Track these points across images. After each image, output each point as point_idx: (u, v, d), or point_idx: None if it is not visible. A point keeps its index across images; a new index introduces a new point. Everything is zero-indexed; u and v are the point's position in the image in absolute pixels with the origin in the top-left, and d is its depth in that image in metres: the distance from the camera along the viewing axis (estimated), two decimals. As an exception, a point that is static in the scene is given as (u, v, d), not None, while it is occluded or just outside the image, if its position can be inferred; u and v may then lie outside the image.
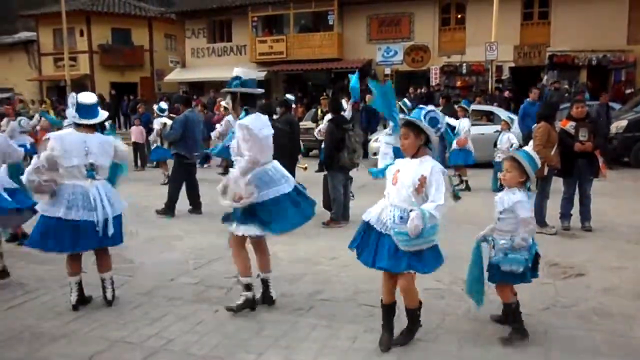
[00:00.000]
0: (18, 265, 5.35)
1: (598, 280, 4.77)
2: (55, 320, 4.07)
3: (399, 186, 3.32)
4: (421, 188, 3.23)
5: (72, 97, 4.25)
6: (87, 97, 4.24)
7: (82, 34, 29.22)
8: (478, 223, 6.85)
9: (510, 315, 3.61)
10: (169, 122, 9.90)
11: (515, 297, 3.61)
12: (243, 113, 4.08)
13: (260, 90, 4.26)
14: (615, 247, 5.84)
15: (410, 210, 3.19)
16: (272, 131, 4.21)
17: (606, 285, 4.66)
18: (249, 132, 3.91)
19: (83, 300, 4.33)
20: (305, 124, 14.15)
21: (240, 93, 4.12)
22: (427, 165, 3.28)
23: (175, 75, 27.12)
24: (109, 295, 4.34)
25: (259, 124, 4.04)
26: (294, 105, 12.26)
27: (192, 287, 4.79)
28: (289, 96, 10.98)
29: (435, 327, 3.81)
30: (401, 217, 3.26)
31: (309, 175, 8.21)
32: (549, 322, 3.78)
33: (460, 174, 9.80)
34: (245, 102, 4.13)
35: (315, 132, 10.69)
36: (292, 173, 7.98)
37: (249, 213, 3.97)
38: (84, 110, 4.17)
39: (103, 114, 4.29)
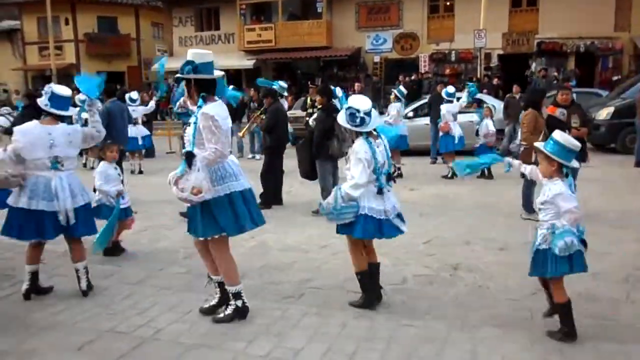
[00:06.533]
0: (5, 257, 5.32)
1: (585, 265, 4.82)
2: (43, 312, 4.05)
3: None
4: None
5: (47, 87, 4.29)
6: (62, 89, 4.32)
7: (67, 23, 28.77)
8: (463, 209, 6.93)
9: (562, 317, 3.49)
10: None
11: (568, 297, 3.47)
12: (200, 101, 3.62)
13: (219, 74, 3.81)
14: (602, 233, 5.89)
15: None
16: (231, 123, 3.89)
17: (593, 270, 4.67)
18: (215, 124, 3.51)
19: (37, 290, 4.35)
20: (295, 112, 14.11)
21: (195, 79, 3.67)
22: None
23: (163, 64, 26.79)
24: (83, 285, 4.34)
25: (224, 114, 3.66)
26: (285, 94, 11.95)
27: (182, 277, 4.79)
28: (282, 83, 10.57)
29: (423, 313, 3.85)
30: None
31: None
32: (536, 307, 3.82)
33: (446, 161, 9.78)
34: (202, 89, 3.65)
35: (310, 121, 10.58)
36: (281, 162, 8.05)
37: (206, 212, 3.62)
38: (57, 100, 4.21)
39: (72, 110, 4.37)
